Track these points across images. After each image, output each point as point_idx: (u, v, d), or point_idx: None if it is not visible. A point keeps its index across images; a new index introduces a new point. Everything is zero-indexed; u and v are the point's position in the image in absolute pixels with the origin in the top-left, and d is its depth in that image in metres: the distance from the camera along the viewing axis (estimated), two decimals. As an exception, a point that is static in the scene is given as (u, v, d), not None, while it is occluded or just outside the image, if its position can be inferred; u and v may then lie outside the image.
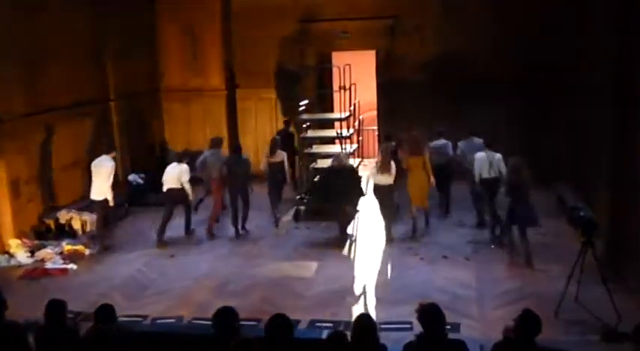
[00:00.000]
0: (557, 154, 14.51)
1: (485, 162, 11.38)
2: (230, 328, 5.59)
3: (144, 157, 15.81)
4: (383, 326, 7.67)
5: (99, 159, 11.90)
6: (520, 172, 10.34)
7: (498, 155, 11.41)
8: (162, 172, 12.34)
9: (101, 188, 11.75)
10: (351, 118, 14.37)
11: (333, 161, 12.55)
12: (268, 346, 5.25)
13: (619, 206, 9.85)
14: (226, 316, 5.67)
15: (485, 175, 11.37)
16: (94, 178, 11.83)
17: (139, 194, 14.83)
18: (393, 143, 12.63)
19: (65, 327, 6.41)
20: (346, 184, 11.93)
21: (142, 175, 15.08)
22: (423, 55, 15.64)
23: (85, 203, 13.21)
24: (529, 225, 10.32)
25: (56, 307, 6.35)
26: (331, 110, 16.38)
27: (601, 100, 10.69)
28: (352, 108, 14.27)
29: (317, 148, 14.52)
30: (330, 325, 8.43)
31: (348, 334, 5.54)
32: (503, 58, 15.16)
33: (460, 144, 12.77)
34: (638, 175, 9.28)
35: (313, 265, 10.83)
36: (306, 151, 14.20)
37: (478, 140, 12.20)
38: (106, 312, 6.15)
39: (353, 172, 12.49)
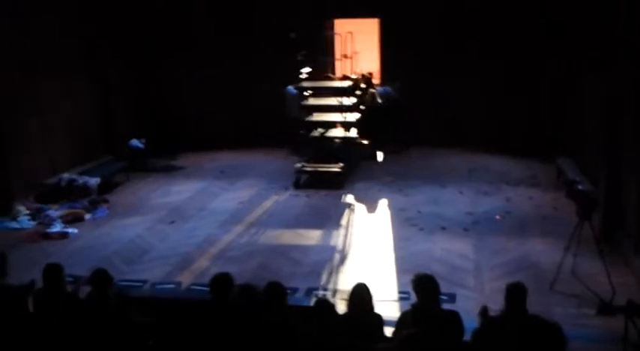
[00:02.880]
0: (559, 128, 14.48)
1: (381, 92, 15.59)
2: (226, 293, 5.65)
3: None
4: (380, 296, 7.72)
5: (289, 87, 14.92)
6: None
7: (388, 88, 15.64)
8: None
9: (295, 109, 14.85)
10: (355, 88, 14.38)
11: (384, 100, 15.42)
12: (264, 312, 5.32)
13: (617, 181, 9.84)
14: (222, 282, 5.72)
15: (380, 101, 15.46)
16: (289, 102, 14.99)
17: (139, 159, 14.84)
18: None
19: (63, 290, 6.47)
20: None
21: (143, 140, 15.07)
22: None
23: (85, 168, 13.36)
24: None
25: (53, 271, 6.41)
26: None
27: (602, 76, 10.64)
28: (354, 76, 14.25)
29: (317, 116, 14.50)
30: (327, 293, 8.52)
31: (340, 302, 5.60)
32: (506, 31, 15.05)
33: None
34: (636, 150, 9.26)
35: (312, 234, 10.87)
36: (307, 119, 14.18)
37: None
38: (100, 276, 6.19)
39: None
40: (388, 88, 15.73)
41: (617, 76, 9.72)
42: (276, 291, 5.47)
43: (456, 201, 12.24)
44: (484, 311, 5.61)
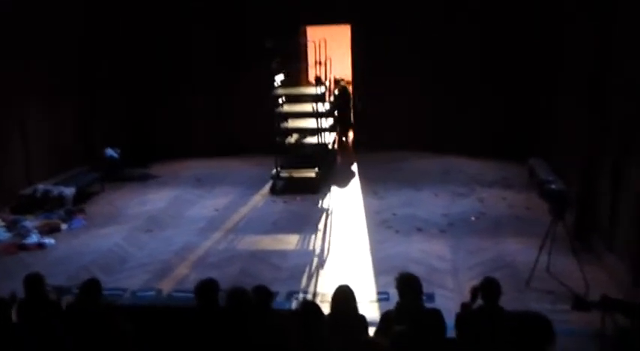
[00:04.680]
0: (532, 129, 14.69)
1: None
2: (213, 299, 5.71)
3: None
4: (359, 297, 7.81)
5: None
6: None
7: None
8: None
9: None
10: (327, 93, 14.50)
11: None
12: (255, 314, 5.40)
13: (588, 179, 10.06)
14: (208, 287, 5.78)
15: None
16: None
17: (114, 169, 14.80)
18: None
19: (47, 300, 6.48)
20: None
21: (118, 150, 15.03)
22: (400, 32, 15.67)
23: (60, 178, 13.29)
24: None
25: (34, 281, 6.42)
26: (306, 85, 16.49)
27: (575, 83, 10.89)
28: (328, 83, 14.41)
29: (292, 123, 14.60)
30: (308, 296, 8.60)
31: (322, 304, 5.69)
32: (480, 34, 15.26)
33: None
34: (606, 149, 9.49)
35: (290, 238, 10.94)
36: (282, 125, 14.28)
37: None
38: (92, 286, 6.22)
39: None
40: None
41: (591, 81, 9.96)
42: (265, 294, 5.56)
43: (431, 203, 12.40)
44: (474, 291, 5.80)
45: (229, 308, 5.53)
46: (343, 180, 14.28)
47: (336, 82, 16.85)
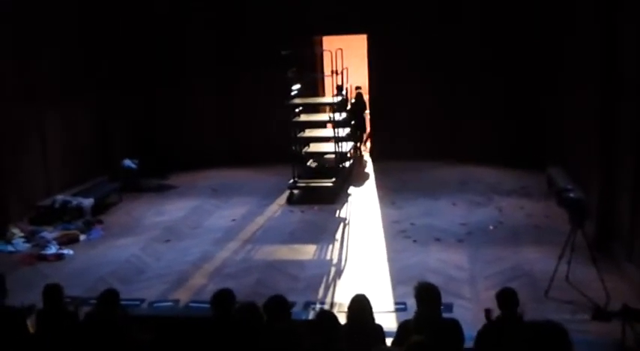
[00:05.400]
0: (550, 137, 14.58)
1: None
2: (228, 309, 5.70)
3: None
4: (377, 307, 7.77)
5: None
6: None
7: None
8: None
9: None
10: (345, 102, 14.52)
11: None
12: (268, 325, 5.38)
13: (608, 188, 9.97)
14: (224, 297, 5.77)
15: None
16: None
17: (132, 179, 14.85)
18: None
19: (64, 311, 6.50)
20: None
21: (136, 161, 15.10)
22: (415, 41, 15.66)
23: (78, 189, 13.35)
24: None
25: (53, 291, 6.45)
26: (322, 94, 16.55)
27: (590, 88, 10.82)
28: (344, 92, 14.42)
29: (309, 132, 14.61)
30: (325, 306, 8.57)
31: (339, 314, 5.67)
32: (494, 43, 15.19)
33: None
34: (626, 156, 9.40)
35: (307, 248, 10.92)
36: (298, 135, 14.29)
37: None
38: (110, 296, 6.24)
39: None
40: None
41: (608, 87, 9.87)
42: (282, 303, 5.55)
43: (449, 212, 12.33)
44: (488, 313, 5.81)
45: (242, 319, 5.52)
46: (360, 189, 14.24)
47: (356, 88, 16.86)
